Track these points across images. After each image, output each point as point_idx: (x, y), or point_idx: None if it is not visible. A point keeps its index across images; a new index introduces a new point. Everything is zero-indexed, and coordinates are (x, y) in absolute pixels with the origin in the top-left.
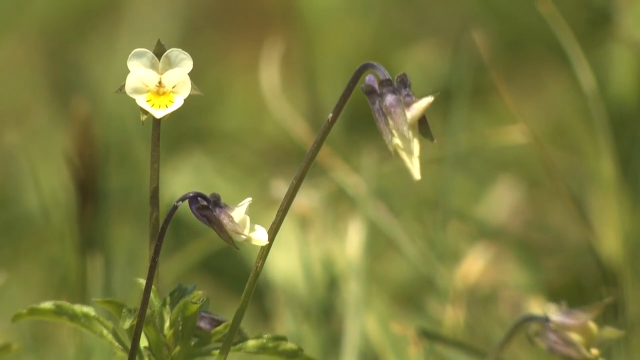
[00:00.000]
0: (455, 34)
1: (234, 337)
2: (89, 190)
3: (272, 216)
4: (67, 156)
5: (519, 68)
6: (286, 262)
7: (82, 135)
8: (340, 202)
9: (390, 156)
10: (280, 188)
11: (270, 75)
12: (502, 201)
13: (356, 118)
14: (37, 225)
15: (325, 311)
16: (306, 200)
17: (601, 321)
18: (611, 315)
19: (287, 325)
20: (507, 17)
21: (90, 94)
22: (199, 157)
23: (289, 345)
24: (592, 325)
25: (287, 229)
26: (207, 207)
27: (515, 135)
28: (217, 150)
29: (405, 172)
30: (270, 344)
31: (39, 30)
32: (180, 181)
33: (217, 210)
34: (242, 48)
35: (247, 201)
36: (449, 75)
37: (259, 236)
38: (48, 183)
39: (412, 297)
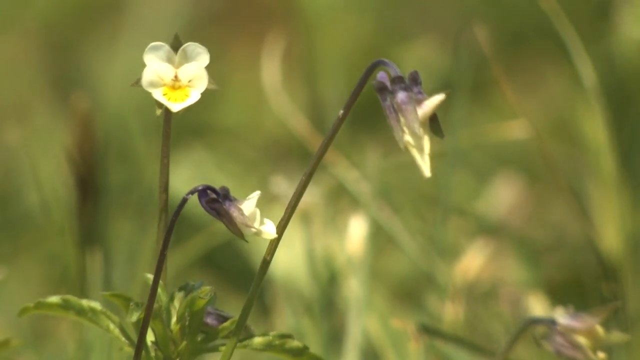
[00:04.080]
0: (455, 29)
1: (240, 334)
2: (89, 185)
3: (272, 212)
4: (67, 152)
5: (519, 63)
6: (286, 258)
7: (82, 131)
8: (341, 198)
9: (391, 152)
10: (280, 184)
11: (270, 71)
12: (502, 197)
13: (357, 114)
14: (37, 221)
15: (326, 306)
16: (307, 196)
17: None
18: (612, 311)
19: (287, 320)
20: (508, 12)
21: (91, 90)
22: (199, 152)
23: (295, 344)
24: (599, 329)
25: (288, 224)
26: (217, 200)
27: (516, 130)
28: (218, 146)
29: (405, 167)
30: (277, 342)
31: (40, 25)
32: (181, 176)
33: (227, 203)
34: (242, 44)
35: (256, 194)
36: (450, 71)
37: (268, 229)
38: (48, 179)
39: (412, 293)
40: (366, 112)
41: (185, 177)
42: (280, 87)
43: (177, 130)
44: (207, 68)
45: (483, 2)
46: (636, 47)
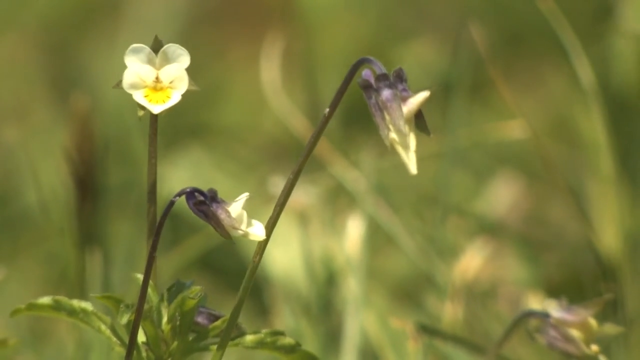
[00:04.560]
0: (454, 29)
1: (232, 332)
2: (88, 186)
3: (270, 212)
4: (66, 152)
5: (518, 63)
6: (284, 258)
7: (81, 131)
8: (339, 198)
9: (389, 152)
10: (278, 184)
11: (270, 71)
12: (501, 196)
13: (354, 113)
14: (36, 221)
15: (324, 307)
16: (304, 196)
17: (600, 316)
18: (610, 310)
19: (286, 320)
20: (507, 12)
21: (90, 90)
22: (197, 153)
23: (287, 340)
24: (592, 322)
25: (285, 224)
26: (204, 202)
27: (514, 130)
28: (216, 146)
29: (403, 167)
30: (269, 339)
31: (39, 26)
32: (179, 176)
33: (214, 205)
34: (241, 43)
35: (244, 196)
36: (448, 71)
37: (256, 231)
38: (47, 179)
39: (411, 293)
40: (363, 112)
41: (184, 178)
42: (280, 87)
43: (175, 130)
44: (206, 68)
45: (482, 2)
46: (636, 44)
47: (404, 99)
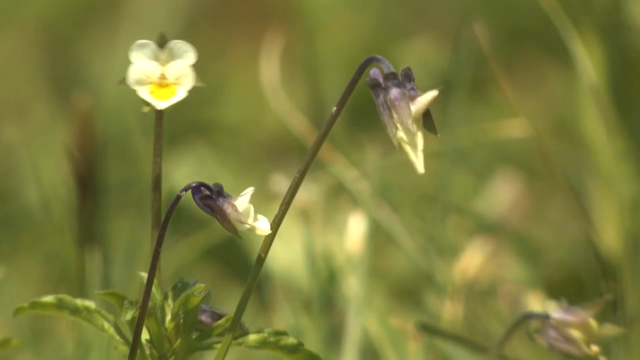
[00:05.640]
0: (455, 27)
1: (235, 331)
2: (89, 184)
3: (271, 210)
4: (67, 150)
5: (519, 61)
6: (286, 255)
7: (82, 129)
8: (341, 196)
9: (390, 151)
10: (279, 182)
11: (270, 69)
12: (501, 195)
13: (356, 112)
14: (36, 219)
15: (325, 304)
16: (306, 194)
17: (600, 316)
18: (610, 310)
19: (286, 317)
20: (508, 9)
21: (91, 88)
22: (199, 150)
23: (290, 340)
24: (593, 322)
25: (287, 222)
26: (211, 196)
27: (515, 128)
28: (218, 143)
29: (404, 166)
30: (272, 339)
31: (39, 24)
32: (182, 173)
33: (221, 199)
34: (242, 42)
35: (249, 190)
36: (449, 69)
37: (262, 225)
38: (48, 177)
39: (411, 291)
40: (365, 111)
41: (187, 175)
42: (279, 86)
43: (178, 128)
44: (207, 66)
45: (482, 0)
46: (634, 45)
47: (412, 98)
